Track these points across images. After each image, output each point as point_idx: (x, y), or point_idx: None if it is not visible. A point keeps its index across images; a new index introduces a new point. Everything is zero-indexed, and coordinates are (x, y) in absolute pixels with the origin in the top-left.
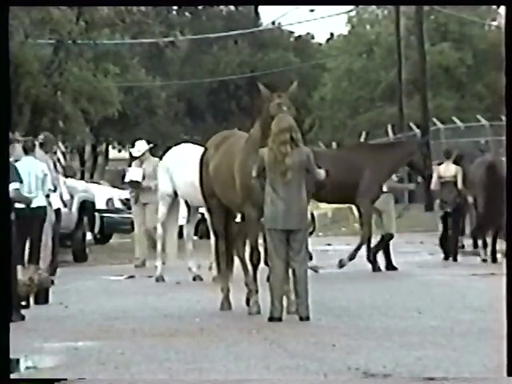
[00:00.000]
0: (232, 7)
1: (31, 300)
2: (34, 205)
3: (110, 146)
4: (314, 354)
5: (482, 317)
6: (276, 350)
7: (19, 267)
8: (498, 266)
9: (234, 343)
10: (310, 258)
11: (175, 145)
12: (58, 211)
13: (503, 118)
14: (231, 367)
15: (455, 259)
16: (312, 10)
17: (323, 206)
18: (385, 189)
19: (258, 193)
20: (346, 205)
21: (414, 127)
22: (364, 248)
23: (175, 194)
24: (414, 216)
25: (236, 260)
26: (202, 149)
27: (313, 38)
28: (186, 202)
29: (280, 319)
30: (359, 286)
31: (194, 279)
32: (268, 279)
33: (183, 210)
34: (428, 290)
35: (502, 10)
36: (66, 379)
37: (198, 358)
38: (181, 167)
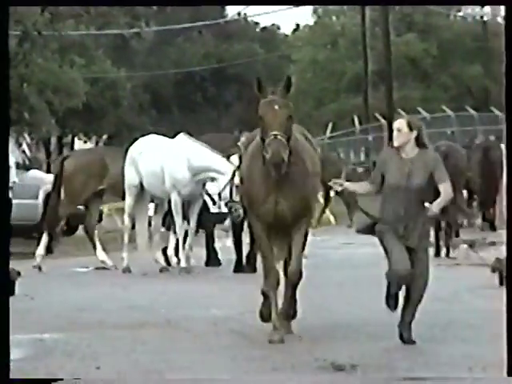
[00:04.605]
0: None
1: None
2: None
3: (76, 138)
4: (281, 345)
5: (448, 307)
6: (242, 341)
7: None
8: (461, 256)
9: (201, 334)
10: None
11: (141, 136)
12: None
13: (468, 108)
14: (197, 358)
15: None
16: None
17: None
18: None
19: (261, 204)
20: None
21: (379, 118)
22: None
23: (141, 185)
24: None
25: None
26: (167, 140)
27: (278, 28)
28: None
29: None
30: (324, 277)
31: (161, 271)
32: None
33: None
34: None
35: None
36: (62, 379)
37: (165, 350)
38: (145, 158)
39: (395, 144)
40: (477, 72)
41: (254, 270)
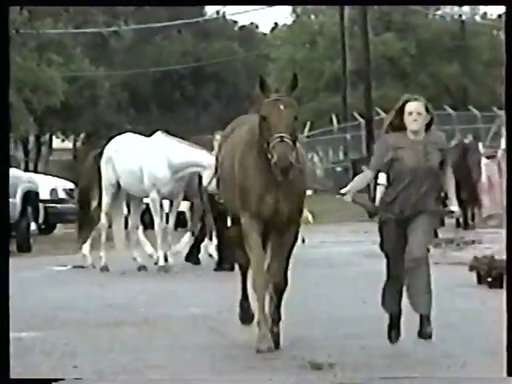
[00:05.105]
0: None
1: None
2: None
3: (54, 136)
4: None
5: None
6: (221, 340)
7: None
8: (441, 255)
9: (179, 333)
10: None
11: (118, 134)
12: None
13: (446, 107)
14: (176, 357)
15: None
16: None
17: None
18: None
19: (258, 199)
20: None
21: (357, 117)
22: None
23: (119, 183)
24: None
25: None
26: (144, 138)
27: (257, 27)
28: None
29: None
30: (303, 275)
31: (139, 269)
32: None
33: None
34: (372, 280)
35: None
36: (63, 379)
37: (143, 348)
38: (122, 156)
39: (414, 127)
40: (455, 71)
41: (232, 268)
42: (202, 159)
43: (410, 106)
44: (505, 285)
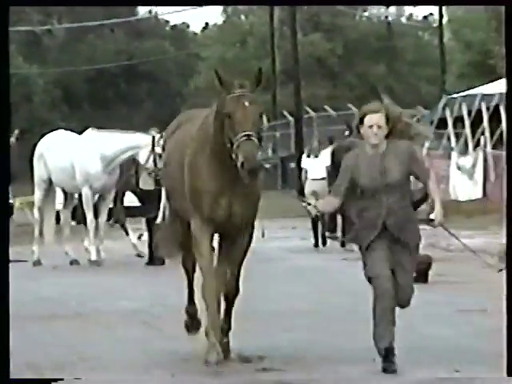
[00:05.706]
0: None
1: None
2: None
3: None
4: (190, 337)
5: (354, 300)
6: (153, 333)
7: None
8: None
9: (111, 326)
10: None
11: (50, 132)
12: None
13: None
14: (108, 350)
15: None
16: None
17: None
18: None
19: (211, 203)
20: None
21: (287, 115)
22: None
23: (50, 180)
24: (286, 201)
25: None
26: (76, 135)
27: (188, 27)
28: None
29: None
30: None
31: (71, 263)
32: None
33: (60, 196)
34: (300, 275)
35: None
36: (62, 379)
37: (76, 342)
38: (54, 153)
39: (374, 141)
40: (382, 71)
41: (163, 262)
42: (137, 141)
43: (371, 119)
44: (504, 284)
